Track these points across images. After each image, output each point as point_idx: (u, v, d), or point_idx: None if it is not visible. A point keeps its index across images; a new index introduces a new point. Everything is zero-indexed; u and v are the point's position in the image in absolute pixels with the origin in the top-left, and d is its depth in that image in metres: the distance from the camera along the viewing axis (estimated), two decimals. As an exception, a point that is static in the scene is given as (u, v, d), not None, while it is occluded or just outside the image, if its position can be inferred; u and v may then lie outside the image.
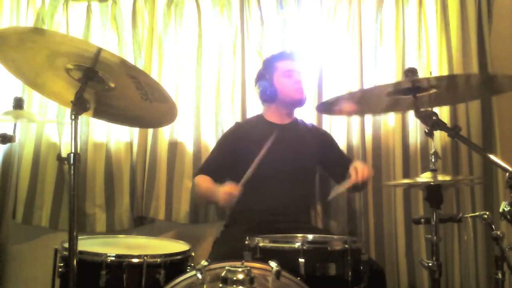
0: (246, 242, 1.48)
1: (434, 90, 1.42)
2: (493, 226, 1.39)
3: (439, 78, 1.65)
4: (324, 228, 2.34)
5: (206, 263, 1.19)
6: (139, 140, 2.43)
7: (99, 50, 1.21)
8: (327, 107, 1.83)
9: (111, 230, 2.37)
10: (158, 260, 1.47)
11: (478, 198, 2.31)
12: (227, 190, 1.79)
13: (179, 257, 1.55)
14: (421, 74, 1.78)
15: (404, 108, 1.53)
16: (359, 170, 1.88)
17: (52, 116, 2.41)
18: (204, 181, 2.03)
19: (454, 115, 2.37)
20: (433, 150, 1.41)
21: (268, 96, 2.13)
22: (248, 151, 1.95)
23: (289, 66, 2.15)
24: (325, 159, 2.19)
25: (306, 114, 2.39)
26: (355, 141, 2.39)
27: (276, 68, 2.15)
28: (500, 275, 1.35)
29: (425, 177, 1.42)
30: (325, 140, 2.25)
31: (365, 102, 1.63)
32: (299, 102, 2.16)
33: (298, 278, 1.28)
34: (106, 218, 2.39)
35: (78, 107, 1.29)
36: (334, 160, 2.20)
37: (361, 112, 2.05)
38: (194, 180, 2.11)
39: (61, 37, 1.46)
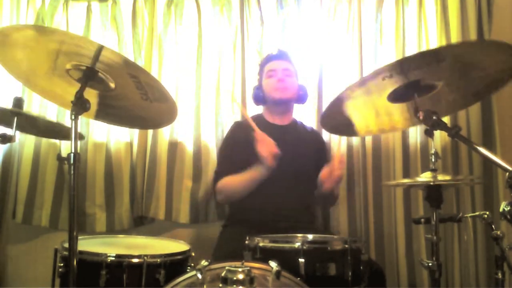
0: (246, 242, 1.47)
1: (438, 84, 1.37)
2: (493, 226, 1.38)
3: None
4: (324, 228, 2.34)
5: (206, 263, 1.19)
6: (139, 140, 2.43)
7: (101, 47, 1.21)
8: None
9: (111, 230, 2.37)
10: (158, 260, 1.47)
11: (478, 198, 2.31)
12: (267, 150, 1.85)
13: (179, 257, 1.54)
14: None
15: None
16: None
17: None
18: (232, 179, 1.98)
19: (454, 115, 2.36)
20: (433, 150, 1.41)
21: (254, 98, 2.19)
22: (245, 151, 1.94)
23: (273, 66, 2.15)
24: (314, 163, 2.13)
25: (306, 115, 2.39)
26: (355, 141, 2.39)
27: (263, 71, 2.18)
28: (500, 275, 1.35)
29: (425, 177, 1.42)
30: (319, 147, 2.23)
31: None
32: (280, 101, 2.13)
33: (298, 278, 1.28)
34: (106, 218, 2.39)
35: (78, 107, 1.28)
36: (318, 168, 2.06)
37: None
38: (218, 187, 2.02)
39: (62, 34, 1.45)
